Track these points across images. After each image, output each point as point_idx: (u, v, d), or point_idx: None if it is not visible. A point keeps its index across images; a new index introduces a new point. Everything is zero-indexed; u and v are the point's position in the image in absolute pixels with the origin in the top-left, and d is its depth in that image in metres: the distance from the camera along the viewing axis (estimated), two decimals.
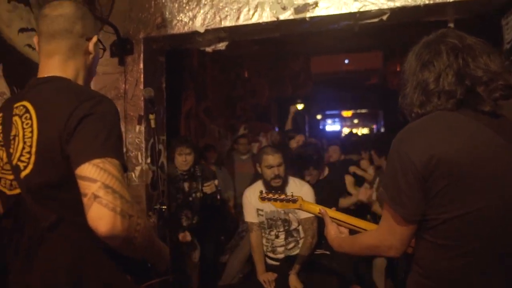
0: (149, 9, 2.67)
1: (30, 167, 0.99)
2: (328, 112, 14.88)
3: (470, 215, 0.95)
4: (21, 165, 1.00)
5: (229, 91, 6.81)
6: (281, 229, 2.61)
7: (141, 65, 2.70)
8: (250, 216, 2.67)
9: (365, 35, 4.90)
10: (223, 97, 6.51)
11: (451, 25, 2.40)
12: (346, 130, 15.24)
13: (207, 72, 5.81)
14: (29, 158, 0.99)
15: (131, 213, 0.92)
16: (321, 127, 14.69)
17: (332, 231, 1.38)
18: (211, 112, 5.86)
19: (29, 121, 1.01)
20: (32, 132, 1.00)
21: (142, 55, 2.70)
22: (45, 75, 1.11)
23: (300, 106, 9.80)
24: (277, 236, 2.63)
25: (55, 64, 1.11)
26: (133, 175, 2.70)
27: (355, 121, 17.38)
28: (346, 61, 7.36)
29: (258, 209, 2.63)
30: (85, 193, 0.91)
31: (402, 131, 1.06)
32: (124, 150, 2.70)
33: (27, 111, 1.03)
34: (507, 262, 0.96)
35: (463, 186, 0.95)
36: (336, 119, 16.94)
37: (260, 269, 2.54)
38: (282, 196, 1.72)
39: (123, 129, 2.71)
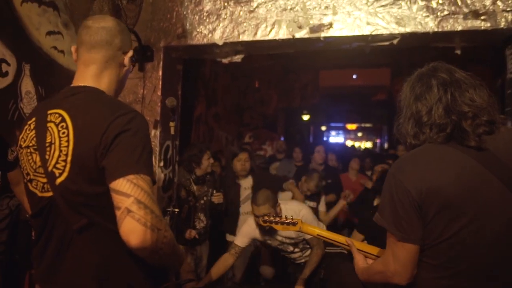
0: (171, 19, 2.81)
1: (65, 174, 1.05)
2: (332, 124, 14.95)
3: (458, 239, 1.04)
4: (57, 172, 1.06)
5: (239, 99, 6.94)
6: (291, 247, 2.72)
7: (160, 72, 2.83)
8: (241, 240, 2.62)
9: (374, 53, 5.02)
10: (233, 104, 6.64)
11: (458, 51, 2.51)
12: (349, 143, 15.29)
13: (219, 80, 5.94)
14: (64, 166, 1.05)
15: (159, 227, 0.98)
16: (325, 138, 14.76)
17: (360, 261, 1.39)
18: (220, 118, 5.98)
19: (65, 131, 1.06)
20: (68, 141, 1.05)
21: (161, 62, 2.83)
22: (80, 84, 1.18)
23: (306, 117, 9.94)
24: (292, 252, 2.74)
25: (91, 73, 1.18)
26: None
27: (359, 134, 17.40)
28: (354, 76, 7.48)
29: (266, 240, 2.69)
30: (118, 207, 0.97)
31: (398, 160, 1.16)
32: None
33: (63, 120, 1.08)
34: (496, 283, 1.06)
35: (452, 213, 1.04)
36: (340, 131, 16.99)
37: (206, 278, 2.47)
38: (283, 219, 1.92)
39: None
